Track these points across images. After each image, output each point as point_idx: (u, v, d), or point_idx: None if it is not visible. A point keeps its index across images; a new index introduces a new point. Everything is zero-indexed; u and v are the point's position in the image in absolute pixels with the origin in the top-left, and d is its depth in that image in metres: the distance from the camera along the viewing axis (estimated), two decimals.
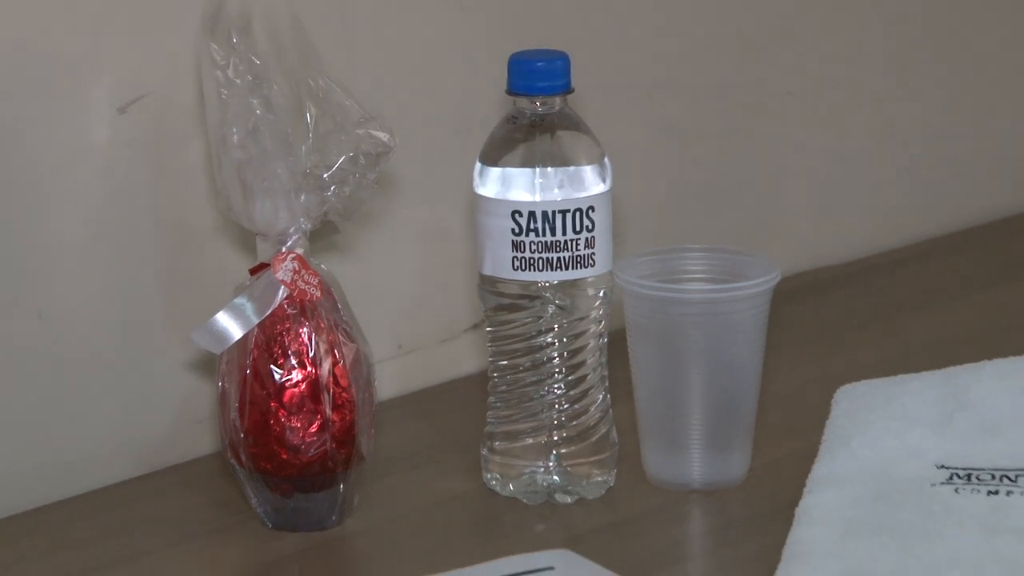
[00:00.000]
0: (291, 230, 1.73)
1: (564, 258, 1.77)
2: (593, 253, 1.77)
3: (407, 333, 2.01)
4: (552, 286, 1.77)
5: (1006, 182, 2.39)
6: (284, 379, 1.73)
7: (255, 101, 1.71)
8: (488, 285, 1.79)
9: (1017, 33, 2.38)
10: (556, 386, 1.79)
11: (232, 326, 1.73)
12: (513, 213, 1.76)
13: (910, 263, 2.30)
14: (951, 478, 1.73)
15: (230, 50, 1.71)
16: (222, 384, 1.75)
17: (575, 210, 1.76)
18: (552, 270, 1.77)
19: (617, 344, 1.82)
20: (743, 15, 2.18)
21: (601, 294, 1.79)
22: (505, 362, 1.80)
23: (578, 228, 1.76)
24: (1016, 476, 1.73)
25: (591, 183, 1.77)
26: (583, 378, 1.79)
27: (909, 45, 2.31)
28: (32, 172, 1.82)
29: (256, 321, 1.73)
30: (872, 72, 2.29)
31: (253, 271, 1.75)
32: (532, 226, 1.75)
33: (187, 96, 1.84)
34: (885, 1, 2.29)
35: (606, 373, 1.81)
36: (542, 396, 1.79)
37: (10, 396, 1.82)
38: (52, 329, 1.84)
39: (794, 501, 1.72)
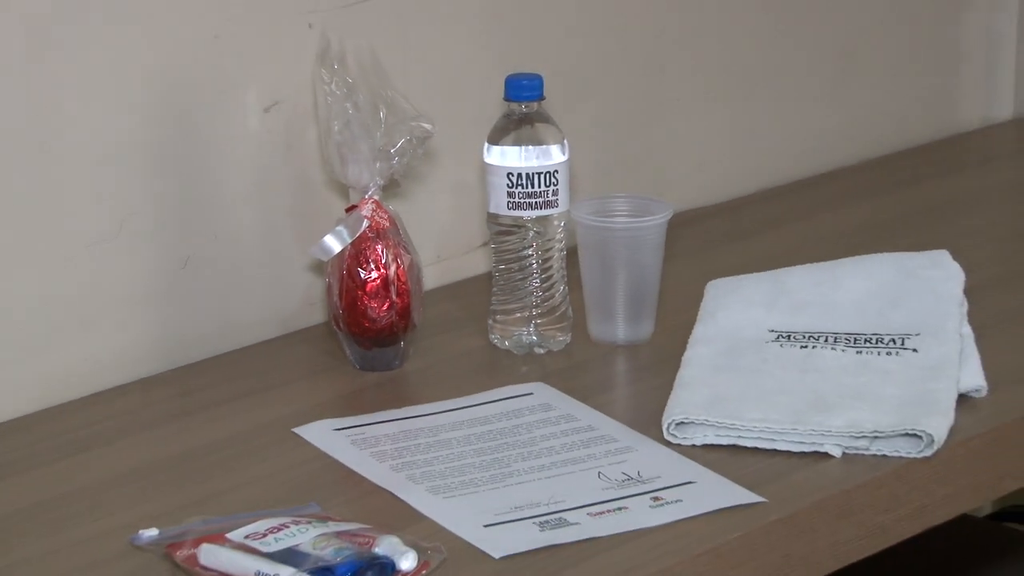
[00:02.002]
0: (371, 184, 1.74)
1: (539, 202, 1.78)
2: (557, 199, 1.78)
3: (443, 248, 2.01)
4: (532, 219, 1.78)
5: (811, 149, 2.38)
6: (366, 277, 1.75)
7: (348, 105, 1.72)
8: (492, 219, 1.80)
9: (821, 36, 2.37)
10: (534, 281, 1.80)
11: (334, 244, 1.74)
12: (508, 174, 1.77)
13: (755, 204, 2.29)
14: (777, 338, 1.75)
15: (333, 73, 1.72)
16: (328, 280, 1.77)
17: (546, 172, 1.77)
18: (532, 209, 1.78)
19: (571, 255, 1.83)
20: (641, 52, 2.17)
21: (562, 224, 1.80)
22: (503, 267, 1.81)
23: (548, 183, 1.77)
24: (818, 336, 1.74)
25: (556, 155, 1.78)
26: (550, 276, 1.81)
27: (748, 64, 2.30)
28: (211, 148, 1.83)
29: (349, 241, 1.74)
30: (726, 86, 2.28)
31: (347, 210, 1.76)
32: (519, 182, 1.77)
33: (306, 101, 1.85)
34: (731, 40, 2.28)
35: (565, 273, 1.82)
36: (525, 288, 1.80)
37: (197, 287, 1.83)
38: (222, 245, 1.85)
39: (680, 352, 1.74)
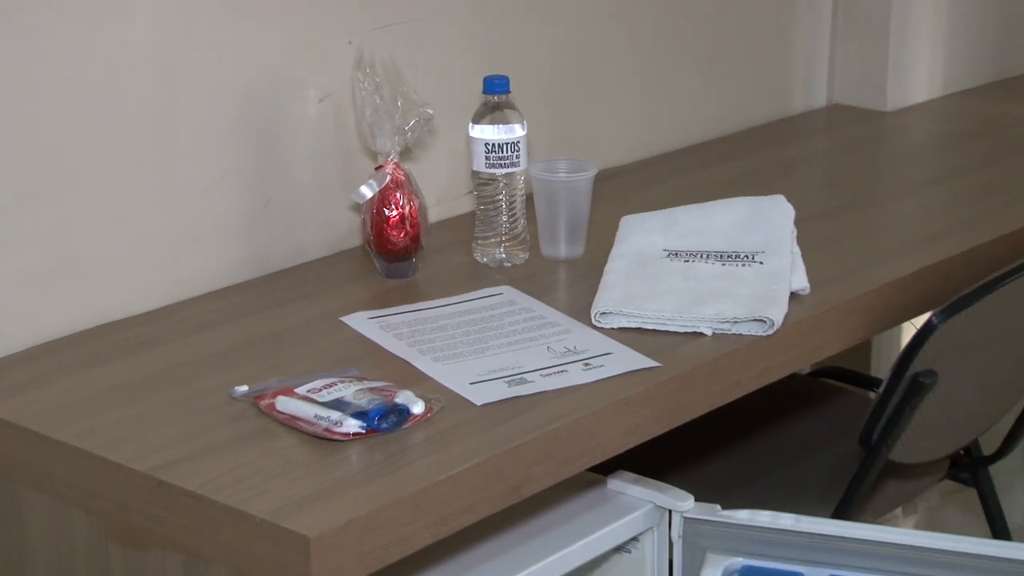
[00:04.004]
0: (392, 151, 1.72)
1: (507, 163, 1.76)
2: (519, 160, 1.77)
3: (441, 193, 1.98)
4: (502, 175, 1.77)
5: (691, 126, 2.37)
6: (389, 214, 1.73)
7: (376, 97, 1.71)
8: (475, 174, 1.79)
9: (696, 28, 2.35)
10: (503, 217, 1.79)
11: (367, 191, 1.72)
12: (485, 144, 1.76)
13: (654, 164, 2.26)
14: (668, 255, 1.74)
15: (365, 75, 1.71)
16: (363, 216, 1.75)
17: (511, 142, 1.76)
18: (502, 168, 1.76)
19: (529, 199, 1.81)
20: (576, 60, 2.16)
21: (523, 178, 1.78)
22: (482, 207, 1.79)
23: (512, 150, 1.76)
24: (696, 254, 1.73)
25: (518, 131, 1.76)
26: (515, 213, 1.79)
27: (651, 69, 2.28)
28: (284, 126, 1.80)
29: (378, 189, 1.72)
30: (635, 84, 2.26)
31: (376, 168, 1.74)
32: (494, 150, 1.75)
33: (348, 95, 1.82)
34: (639, 53, 2.26)
35: (524, 211, 1.80)
36: (497, 221, 1.79)
37: (274, 221, 1.81)
38: (292, 192, 1.83)
39: (603, 265, 1.73)
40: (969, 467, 2.06)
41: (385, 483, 1.30)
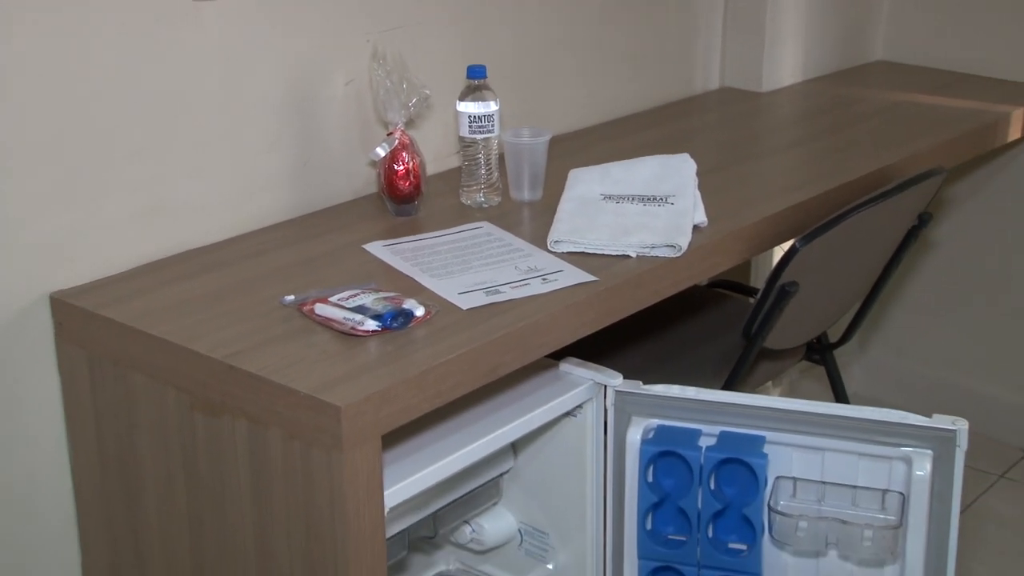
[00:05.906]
0: (399, 121, 1.68)
1: (484, 130, 1.71)
2: (494, 128, 1.72)
3: (437, 153, 1.93)
4: (481, 139, 1.72)
5: (620, 102, 2.31)
6: (398, 168, 1.68)
7: (387, 81, 1.66)
8: (461, 139, 1.74)
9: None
10: (482, 171, 1.74)
11: (381, 151, 1.67)
12: (469, 116, 1.71)
13: (595, 131, 2.21)
14: (604, 199, 1.70)
15: (379, 65, 1.66)
16: (378, 170, 1.71)
17: (488, 115, 1.71)
18: (481, 134, 1.72)
19: (501, 158, 1.76)
20: (536, 55, 2.10)
21: (497, 141, 1.74)
22: (467, 163, 1.75)
23: (489, 121, 1.71)
24: (624, 197, 1.70)
25: (493, 107, 1.71)
26: (491, 168, 1.74)
27: (592, 61, 2.22)
28: (318, 104, 1.75)
29: (389, 150, 1.68)
30: (580, 71, 2.20)
31: (387, 135, 1.69)
32: (475, 120, 1.71)
33: (365, 80, 1.77)
34: (583, 49, 2.20)
35: (498, 165, 1.75)
36: (478, 173, 1.74)
37: (312, 175, 1.76)
38: (324, 153, 1.77)
39: (556, 206, 1.69)
40: (820, 351, 2.09)
41: (395, 367, 1.30)
